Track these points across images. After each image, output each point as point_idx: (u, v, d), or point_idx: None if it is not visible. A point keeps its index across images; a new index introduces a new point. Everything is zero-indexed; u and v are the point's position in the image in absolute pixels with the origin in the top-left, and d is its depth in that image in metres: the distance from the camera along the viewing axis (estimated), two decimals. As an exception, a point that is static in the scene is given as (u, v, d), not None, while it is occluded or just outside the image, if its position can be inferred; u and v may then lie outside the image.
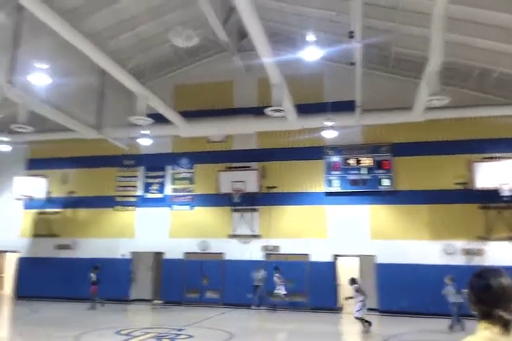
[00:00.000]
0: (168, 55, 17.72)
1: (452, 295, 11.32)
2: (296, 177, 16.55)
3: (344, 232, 15.74)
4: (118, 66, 12.37)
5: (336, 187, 16.01)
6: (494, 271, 1.87)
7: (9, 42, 12.19)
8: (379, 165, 15.72)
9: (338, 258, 15.96)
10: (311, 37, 11.81)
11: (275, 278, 15.23)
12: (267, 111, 11.93)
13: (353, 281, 11.46)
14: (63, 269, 17.52)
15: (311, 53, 11.96)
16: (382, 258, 15.17)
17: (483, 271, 1.90)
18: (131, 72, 13.43)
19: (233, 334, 10.56)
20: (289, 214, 16.45)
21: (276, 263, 15.81)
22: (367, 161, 15.84)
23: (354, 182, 15.83)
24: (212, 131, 16.42)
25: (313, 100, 15.89)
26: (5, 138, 17.39)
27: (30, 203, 18.52)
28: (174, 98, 18.05)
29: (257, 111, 15.26)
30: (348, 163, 16.03)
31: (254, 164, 16.89)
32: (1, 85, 12.85)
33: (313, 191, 16.32)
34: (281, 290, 15.11)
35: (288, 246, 16.14)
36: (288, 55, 13.57)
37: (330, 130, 13.93)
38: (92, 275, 15.50)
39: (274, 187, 16.67)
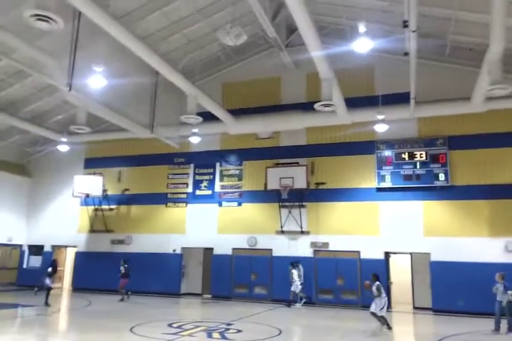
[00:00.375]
0: (217, 54, 18.01)
1: (500, 293, 10.63)
2: (346, 172, 16.25)
3: (396, 229, 15.26)
4: (169, 67, 12.71)
5: (388, 182, 15.55)
6: None
7: (68, 48, 12.86)
8: (434, 159, 15.10)
9: (390, 255, 15.52)
10: (362, 28, 11.58)
11: (293, 275, 15.21)
12: (316, 106, 11.78)
13: (375, 277, 10.93)
14: (118, 263, 18.19)
15: (362, 45, 11.73)
16: (437, 256, 14.56)
17: None
18: (181, 72, 13.76)
19: (282, 330, 10.50)
20: (338, 210, 16.19)
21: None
22: (421, 155, 15.27)
23: (407, 178, 15.30)
24: (261, 127, 16.47)
25: (363, 93, 15.60)
26: (64, 139, 18.45)
27: (86, 200, 19.41)
28: (223, 96, 18.31)
29: (306, 107, 15.20)
30: (401, 158, 15.52)
31: (302, 160, 16.77)
32: (62, 89, 13.58)
33: (364, 187, 15.96)
34: (295, 287, 15.10)
35: (337, 243, 15.88)
36: (337, 48, 13.34)
37: (381, 123, 13.57)
38: (121, 268, 15.92)
39: (323, 183, 16.46)
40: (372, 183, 15.85)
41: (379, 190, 15.73)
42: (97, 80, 13.54)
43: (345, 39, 14.52)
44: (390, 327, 10.66)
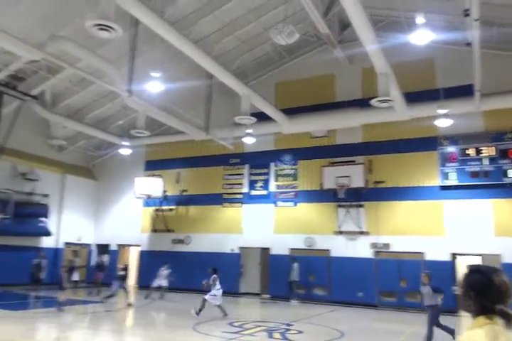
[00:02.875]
0: (269, 54, 18.02)
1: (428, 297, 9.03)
2: (406, 170, 15.60)
3: (464, 229, 14.41)
4: (223, 69, 12.87)
5: (453, 180, 14.72)
6: (493, 268, 1.92)
7: (127, 55, 13.44)
8: (503, 154, 14.10)
9: (458, 257, 14.68)
10: (420, 19, 11.04)
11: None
12: (373, 102, 11.40)
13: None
14: (178, 262, 18.71)
15: (421, 36, 11.18)
16: (509, 258, 13.54)
17: (481, 267, 1.94)
18: (234, 74, 13.89)
19: (344, 332, 10.24)
20: (399, 209, 15.58)
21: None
22: (489, 151, 14.31)
23: (474, 175, 14.40)
24: (315, 126, 16.23)
25: (423, 87, 14.89)
26: (126, 143, 19.30)
27: (148, 201, 20.15)
28: (276, 95, 18.28)
29: (362, 103, 14.78)
30: (467, 154, 14.64)
31: (359, 158, 16.32)
32: (122, 95, 14.21)
33: (426, 185, 15.23)
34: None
35: (399, 244, 15.28)
36: (394, 41, 12.84)
37: (444, 118, 12.86)
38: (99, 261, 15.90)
39: (382, 181, 15.91)
40: (435, 181, 15.08)
41: (443, 188, 14.94)
42: (154, 85, 14.04)
43: (402, 31, 13.93)
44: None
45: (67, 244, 20.54)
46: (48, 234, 19.32)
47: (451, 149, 14.95)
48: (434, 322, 8.70)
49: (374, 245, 15.75)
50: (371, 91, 12.76)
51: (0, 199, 16.34)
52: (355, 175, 15.63)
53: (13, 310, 11.96)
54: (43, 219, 19.26)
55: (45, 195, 19.62)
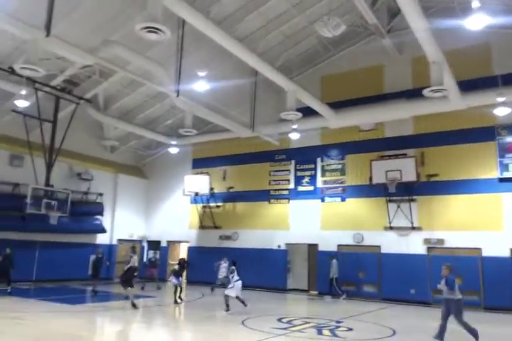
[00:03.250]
0: (314, 48, 17.80)
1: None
2: (462, 162, 14.92)
3: (526, 224, 13.59)
4: (268, 65, 12.87)
5: (514, 171, 13.90)
6: None
7: (174, 56, 13.74)
8: None
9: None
10: (475, 3, 10.48)
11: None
12: (425, 92, 10.98)
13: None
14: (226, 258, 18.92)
15: (477, 21, 10.59)
16: None
17: None
18: (279, 69, 13.83)
19: (396, 330, 9.94)
20: (454, 204, 14.93)
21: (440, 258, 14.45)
22: (554, 140, 13.39)
23: (536, 166, 13.54)
24: (363, 119, 15.85)
25: (479, 74, 14.19)
26: (174, 142, 19.79)
27: (196, 198, 20.54)
28: (321, 89, 18.05)
29: (412, 94, 14.32)
30: (528, 143, 13.78)
31: (410, 151, 15.80)
32: (170, 95, 14.55)
33: (483, 177, 14.49)
34: None
35: (454, 240, 14.65)
36: (446, 27, 12.27)
37: (502, 106, 12.15)
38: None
39: (436, 175, 15.30)
40: (493, 173, 14.33)
41: (502, 180, 14.15)
42: (201, 84, 14.26)
43: (455, 17, 13.27)
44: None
45: (119, 240, 21.38)
46: (103, 230, 20.21)
47: (511, 139, 14.12)
48: (458, 317, 8.28)
49: (427, 241, 15.20)
50: (422, 81, 12.27)
51: (58, 199, 17.21)
52: (406, 169, 15.10)
53: (71, 305, 12.51)
54: (99, 216, 20.16)
55: (100, 194, 20.51)
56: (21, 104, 13.20)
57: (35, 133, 16.77)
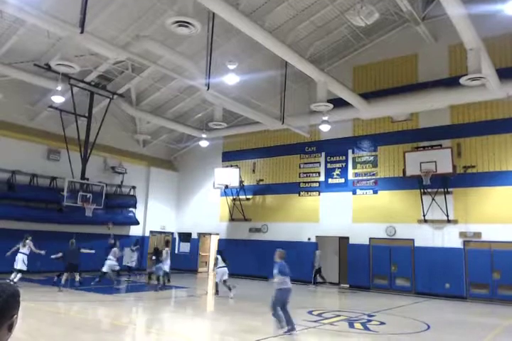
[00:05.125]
0: (345, 38, 17.43)
1: None
2: (500, 153, 14.37)
3: None
4: (298, 56, 12.70)
5: (556, 163, 13.28)
6: None
7: (204, 50, 13.77)
8: None
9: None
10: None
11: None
12: (463, 80, 10.58)
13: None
14: (256, 250, 19.05)
15: (517, 5, 10.14)
16: None
17: None
18: (310, 60, 13.64)
19: (430, 325, 9.73)
20: (492, 196, 14.41)
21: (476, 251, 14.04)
22: None
23: None
24: (397, 109, 15.47)
25: (519, 61, 13.52)
26: (205, 135, 19.96)
27: (226, 191, 20.70)
28: (353, 80, 17.75)
29: (449, 83, 13.86)
30: None
31: (446, 142, 15.31)
32: (201, 88, 14.63)
33: (523, 169, 13.91)
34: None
35: (492, 233, 14.16)
36: (483, 13, 11.75)
37: (545, 94, 11.58)
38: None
39: (473, 166, 14.81)
40: (535, 164, 13.72)
41: (543, 172, 13.55)
42: (231, 77, 14.26)
43: (493, 3, 12.70)
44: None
45: (151, 232, 21.84)
46: (136, 223, 20.69)
47: (553, 129, 13.50)
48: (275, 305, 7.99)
49: (463, 234, 14.77)
50: (459, 69, 11.89)
51: (93, 192, 17.69)
52: (441, 160, 14.63)
53: (106, 294, 12.93)
54: (132, 209, 20.64)
55: (133, 187, 20.98)
56: (57, 99, 13.58)
57: (71, 128, 17.27)
